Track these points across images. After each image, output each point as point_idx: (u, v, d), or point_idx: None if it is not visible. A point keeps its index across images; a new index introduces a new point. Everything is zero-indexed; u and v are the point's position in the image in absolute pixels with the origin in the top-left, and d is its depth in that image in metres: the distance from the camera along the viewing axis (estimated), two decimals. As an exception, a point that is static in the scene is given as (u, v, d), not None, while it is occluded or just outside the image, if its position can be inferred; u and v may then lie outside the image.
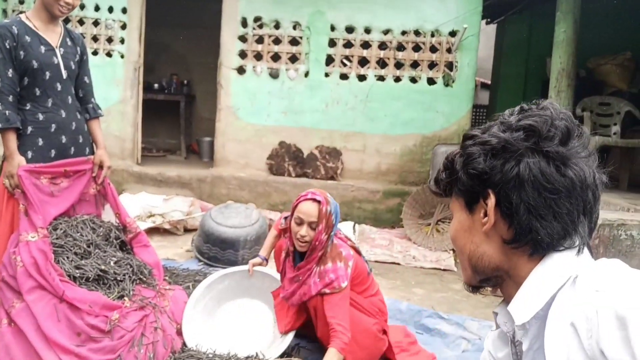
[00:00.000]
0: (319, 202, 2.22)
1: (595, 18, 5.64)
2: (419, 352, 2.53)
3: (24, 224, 2.26)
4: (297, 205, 2.27)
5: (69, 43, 2.61)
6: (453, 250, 4.61)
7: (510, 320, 0.92)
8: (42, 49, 2.46)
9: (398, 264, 4.38)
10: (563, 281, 0.81)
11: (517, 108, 0.90)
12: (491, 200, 0.85)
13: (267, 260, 2.63)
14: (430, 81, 5.55)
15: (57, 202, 2.44)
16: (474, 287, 0.97)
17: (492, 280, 0.93)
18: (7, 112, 2.33)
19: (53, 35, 2.53)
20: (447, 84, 5.50)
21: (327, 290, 2.20)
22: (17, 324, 2.04)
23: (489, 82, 8.24)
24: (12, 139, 2.36)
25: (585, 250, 0.86)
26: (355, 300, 2.32)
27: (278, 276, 2.60)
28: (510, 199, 0.83)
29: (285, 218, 2.63)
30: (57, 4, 2.41)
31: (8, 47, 2.35)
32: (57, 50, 2.52)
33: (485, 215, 0.87)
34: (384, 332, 2.42)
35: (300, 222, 2.23)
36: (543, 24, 5.88)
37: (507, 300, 0.91)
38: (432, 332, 2.91)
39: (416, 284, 3.88)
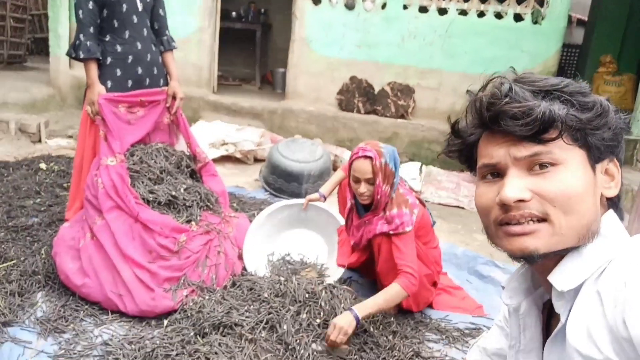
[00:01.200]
0: (370, 157, 2.21)
1: None
2: (465, 298, 2.56)
3: (103, 148, 2.45)
4: (352, 163, 2.29)
5: None
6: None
7: (515, 295, 0.93)
8: None
9: (463, 208, 4.34)
10: (612, 254, 0.79)
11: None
12: (617, 167, 0.85)
13: (325, 197, 2.70)
14: (517, 17, 5.16)
15: (133, 130, 2.61)
16: (539, 257, 0.80)
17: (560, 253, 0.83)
18: (88, 42, 2.48)
19: None
20: (535, 21, 5.10)
21: (391, 232, 2.25)
22: (98, 238, 2.29)
23: (586, 19, 7.48)
24: (94, 68, 2.52)
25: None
26: (417, 248, 2.36)
27: (335, 212, 2.69)
28: (621, 161, 0.86)
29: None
30: None
31: None
32: None
33: (609, 175, 0.85)
34: (434, 284, 2.45)
35: (357, 180, 2.26)
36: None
37: (540, 272, 0.87)
38: (486, 279, 2.91)
39: (478, 229, 3.81)
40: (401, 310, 2.39)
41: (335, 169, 4.20)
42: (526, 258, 0.82)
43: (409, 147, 5.34)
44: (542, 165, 0.80)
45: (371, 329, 2.10)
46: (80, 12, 2.48)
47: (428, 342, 2.21)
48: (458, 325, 2.36)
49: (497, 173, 0.85)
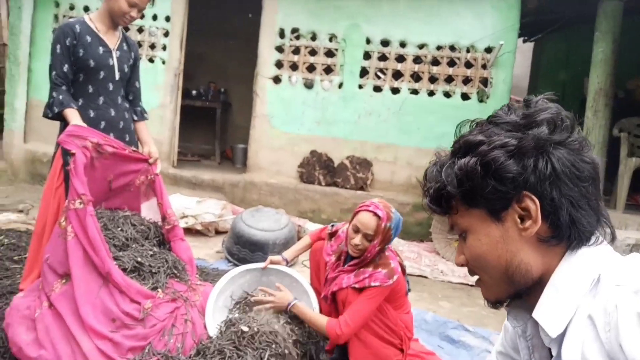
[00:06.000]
0: (379, 217, 2.21)
1: (636, 38, 5.55)
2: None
3: (71, 191, 2.30)
4: (358, 213, 2.28)
5: (125, 48, 2.77)
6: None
7: (519, 316, 0.94)
8: (100, 49, 2.62)
9: (425, 277, 4.37)
10: (590, 283, 0.80)
11: (506, 107, 0.90)
12: (534, 202, 0.82)
13: (287, 261, 2.67)
14: (465, 96, 5.55)
15: (94, 174, 2.46)
16: (499, 303, 0.93)
17: (524, 292, 0.89)
18: (60, 96, 2.48)
19: (112, 39, 2.69)
20: (481, 100, 5.49)
21: (356, 286, 2.24)
22: (56, 307, 2.14)
23: (524, 101, 8.16)
24: (73, 113, 2.46)
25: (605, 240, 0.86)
26: (386, 312, 2.32)
27: (297, 275, 2.63)
28: (551, 195, 0.82)
29: (332, 225, 2.67)
30: (123, 17, 2.61)
31: (68, 44, 2.53)
32: (113, 53, 2.68)
33: (522, 219, 0.84)
34: (402, 350, 2.39)
35: (357, 231, 2.24)
36: (582, 43, 5.82)
37: (530, 303, 0.90)
38: (457, 343, 2.90)
39: (443, 297, 3.87)
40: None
41: (299, 239, 4.18)
42: (490, 305, 0.95)
43: (369, 219, 5.42)
44: (462, 234, 0.92)
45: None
46: (54, 73, 2.51)
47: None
48: (434, 390, 2.30)
49: None
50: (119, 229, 2.55)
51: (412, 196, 5.52)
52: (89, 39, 2.57)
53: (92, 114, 2.62)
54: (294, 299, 2.37)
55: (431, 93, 5.60)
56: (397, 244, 5.02)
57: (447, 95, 5.58)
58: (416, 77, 5.66)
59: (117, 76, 2.68)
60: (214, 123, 7.49)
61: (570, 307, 0.80)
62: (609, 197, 4.89)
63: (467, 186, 0.86)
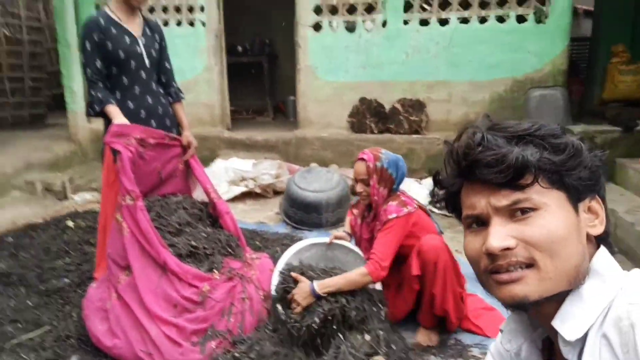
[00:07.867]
0: (364, 159, 2.41)
1: None
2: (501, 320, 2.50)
3: (121, 188, 2.43)
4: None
5: (149, 32, 2.79)
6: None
7: (515, 338, 0.91)
8: (127, 39, 2.66)
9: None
10: (614, 294, 0.77)
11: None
12: (601, 205, 0.85)
13: (351, 236, 2.70)
14: (520, 19, 5.11)
15: (145, 165, 2.60)
16: (530, 305, 0.80)
17: (556, 298, 0.81)
18: (99, 94, 2.56)
19: (135, 26, 2.71)
20: (539, 21, 5.04)
21: (380, 227, 2.36)
22: (123, 297, 2.32)
23: (592, 9, 7.36)
24: (114, 111, 2.55)
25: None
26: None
27: (360, 251, 2.66)
28: (603, 198, 0.86)
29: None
30: None
31: (96, 39, 2.58)
32: (139, 40, 2.71)
33: (593, 213, 0.84)
34: (462, 299, 2.41)
35: (356, 181, 2.48)
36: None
37: (541, 318, 0.85)
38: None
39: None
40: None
41: (353, 193, 4.20)
42: (518, 306, 0.81)
43: (426, 162, 5.31)
44: (524, 211, 0.80)
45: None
46: (88, 70, 2.59)
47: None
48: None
49: (481, 222, 0.84)
50: (172, 215, 2.67)
51: (470, 133, 5.29)
52: (114, 30, 2.61)
53: (131, 105, 2.69)
54: (310, 282, 2.24)
55: (483, 20, 5.21)
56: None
57: (500, 20, 5.17)
58: (465, 4, 5.26)
59: (147, 63, 2.72)
60: (263, 77, 7.46)
61: (592, 312, 0.78)
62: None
63: (568, 164, 0.81)
